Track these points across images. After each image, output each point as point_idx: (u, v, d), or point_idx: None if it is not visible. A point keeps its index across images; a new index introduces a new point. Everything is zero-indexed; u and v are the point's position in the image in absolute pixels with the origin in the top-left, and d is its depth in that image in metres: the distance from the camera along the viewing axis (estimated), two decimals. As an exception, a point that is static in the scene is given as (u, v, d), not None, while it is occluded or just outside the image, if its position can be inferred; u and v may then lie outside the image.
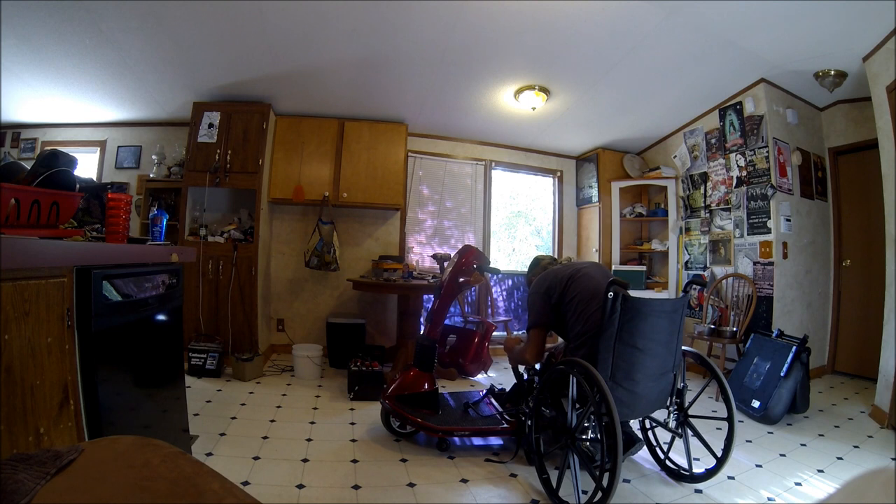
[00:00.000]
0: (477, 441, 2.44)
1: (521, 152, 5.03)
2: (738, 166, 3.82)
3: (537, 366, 2.27)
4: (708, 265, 4.13)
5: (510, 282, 5.09)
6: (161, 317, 1.66)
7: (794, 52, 3.11)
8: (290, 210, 4.31)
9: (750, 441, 2.52)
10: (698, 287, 4.09)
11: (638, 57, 3.20)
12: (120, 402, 1.36)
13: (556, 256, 4.27)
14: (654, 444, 2.23)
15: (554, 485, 1.82)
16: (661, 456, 2.17)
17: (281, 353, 4.15)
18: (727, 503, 1.87)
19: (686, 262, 4.40)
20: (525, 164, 5.08)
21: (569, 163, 5.25)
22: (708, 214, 4.14)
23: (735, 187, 3.85)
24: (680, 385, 2.05)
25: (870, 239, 3.70)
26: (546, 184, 5.29)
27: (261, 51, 3.23)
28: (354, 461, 2.13)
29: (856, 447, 2.44)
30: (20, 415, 0.93)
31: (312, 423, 2.59)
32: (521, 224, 5.32)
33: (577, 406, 1.82)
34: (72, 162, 1.43)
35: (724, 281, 3.82)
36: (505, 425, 2.34)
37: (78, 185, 1.50)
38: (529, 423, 2.08)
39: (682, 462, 2.07)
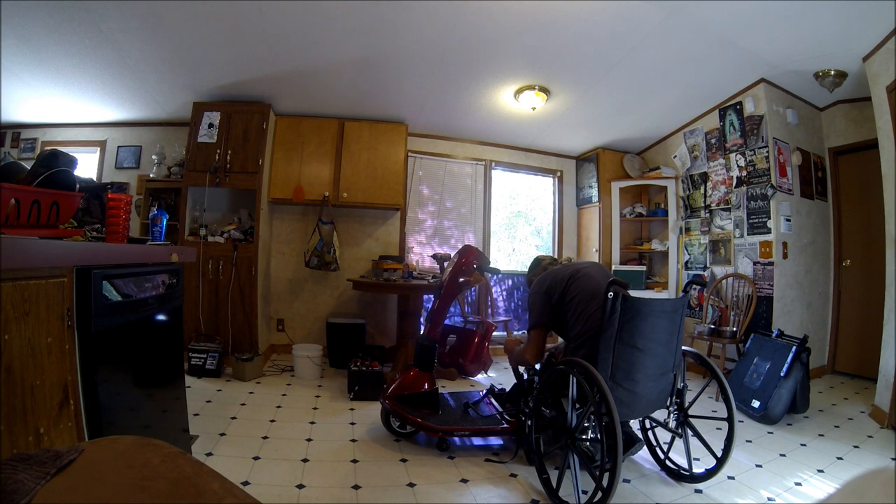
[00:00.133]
0: (477, 441, 2.44)
1: (521, 152, 5.03)
2: (738, 166, 3.82)
3: (537, 366, 2.27)
4: (708, 265, 4.13)
5: (510, 282, 5.09)
6: (161, 317, 1.66)
7: (794, 52, 3.11)
8: (290, 210, 4.31)
9: (750, 441, 2.52)
10: (698, 287, 4.09)
11: (638, 57, 3.20)
12: (120, 402, 1.36)
13: (556, 257, 4.27)
14: (654, 444, 2.23)
15: (554, 485, 1.82)
16: (661, 456, 2.17)
17: (281, 353, 4.15)
18: (727, 503, 1.87)
19: (686, 262, 4.40)
20: (525, 164, 5.08)
21: (569, 163, 5.25)
22: (708, 214, 4.14)
23: (735, 187, 3.85)
24: (680, 385, 2.05)
25: (870, 239, 3.70)
26: (546, 184, 5.29)
27: (261, 51, 3.23)
28: (354, 461, 2.13)
29: (856, 447, 2.44)
30: (20, 415, 0.93)
31: (312, 423, 2.59)
32: (521, 224, 5.32)
33: (577, 406, 1.82)
34: (72, 162, 1.43)
35: (724, 281, 3.82)
36: (505, 425, 2.34)
37: (78, 185, 1.50)
38: (529, 423, 2.08)
39: (682, 462, 2.07)
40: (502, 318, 4.42)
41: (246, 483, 1.86)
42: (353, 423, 2.61)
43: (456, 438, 2.40)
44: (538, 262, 2.42)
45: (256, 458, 2.08)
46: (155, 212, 1.87)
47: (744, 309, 3.55)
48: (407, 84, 3.73)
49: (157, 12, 2.76)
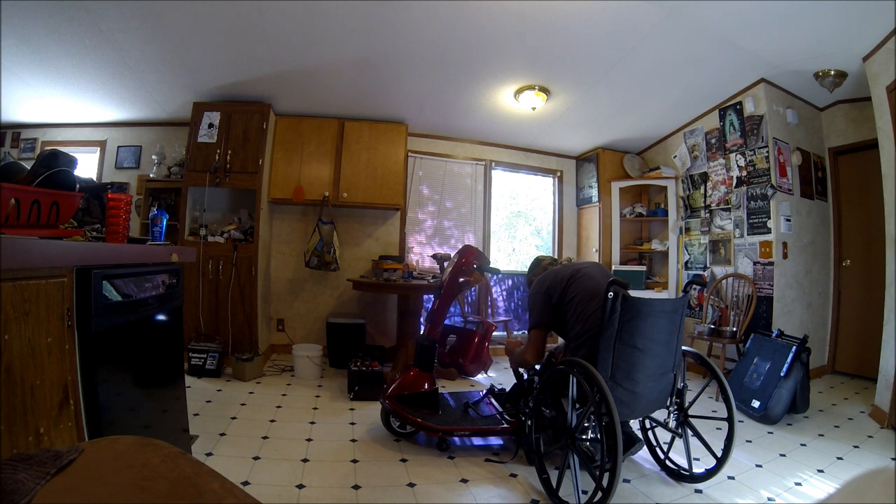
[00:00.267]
0: (477, 441, 2.44)
1: (521, 152, 5.03)
2: (738, 166, 3.82)
3: (538, 366, 2.27)
4: (708, 265, 4.13)
5: (510, 282, 5.09)
6: (161, 317, 1.66)
7: (794, 52, 3.11)
8: (290, 210, 4.30)
9: (750, 441, 2.52)
10: (698, 287, 4.09)
11: (638, 57, 3.20)
12: (120, 402, 1.36)
13: (556, 257, 4.27)
14: (654, 444, 2.23)
15: (554, 485, 1.82)
16: (661, 456, 2.17)
17: (281, 353, 4.15)
18: (727, 503, 1.87)
19: (686, 262, 4.40)
20: (525, 164, 5.08)
21: (569, 163, 5.25)
22: (708, 214, 4.14)
23: (735, 187, 3.85)
24: (680, 385, 2.05)
25: (870, 239, 3.70)
26: (546, 184, 5.29)
27: (261, 51, 3.23)
28: (354, 461, 2.13)
29: (856, 447, 2.44)
30: (20, 415, 0.93)
31: (312, 423, 2.59)
32: (521, 224, 5.32)
33: (577, 406, 1.82)
34: (72, 162, 1.43)
35: (724, 281, 3.82)
36: (505, 425, 2.34)
37: (78, 185, 1.50)
38: (529, 423, 2.08)
39: (682, 462, 2.07)
40: (502, 318, 4.42)
41: (246, 483, 1.86)
42: (353, 423, 2.61)
43: (456, 438, 2.40)
44: (538, 263, 2.42)
45: (256, 458, 2.08)
46: (155, 212, 1.87)
47: (744, 309, 3.55)
48: (407, 84, 3.73)
49: (157, 12, 2.76)
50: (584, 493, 1.69)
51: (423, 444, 2.37)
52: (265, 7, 2.75)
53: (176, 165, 3.94)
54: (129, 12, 2.74)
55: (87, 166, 4.20)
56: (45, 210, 1.27)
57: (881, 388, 2.84)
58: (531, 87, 3.69)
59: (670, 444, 2.18)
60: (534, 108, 3.87)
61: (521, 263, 5.11)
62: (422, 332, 2.63)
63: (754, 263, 3.66)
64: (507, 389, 2.64)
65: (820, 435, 2.62)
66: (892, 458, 2.33)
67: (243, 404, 2.83)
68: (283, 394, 3.09)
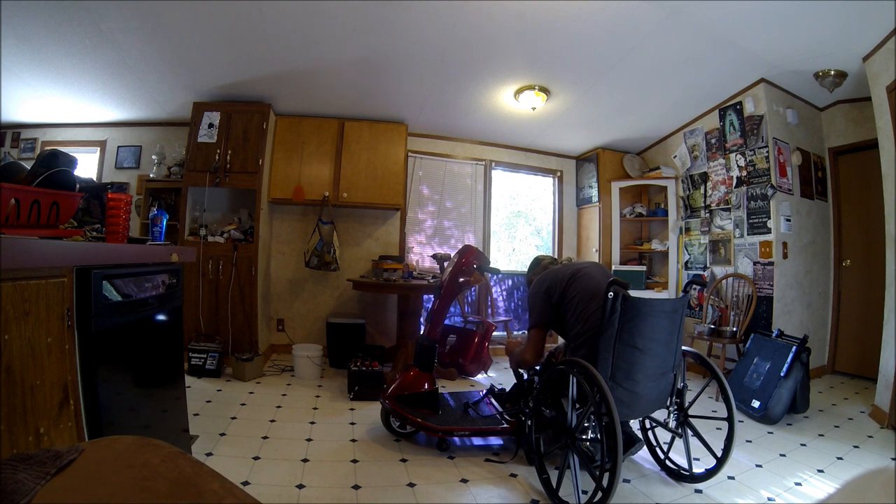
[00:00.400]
0: (477, 441, 2.44)
1: (521, 152, 5.03)
2: (738, 166, 3.82)
3: (537, 366, 2.27)
4: (708, 265, 4.13)
5: (510, 282, 5.09)
6: (161, 317, 1.66)
7: (794, 52, 3.11)
8: (290, 210, 4.31)
9: (750, 441, 2.52)
10: (698, 287, 4.09)
11: (638, 57, 3.20)
12: (120, 402, 1.36)
13: (556, 256, 4.27)
14: (654, 444, 2.23)
15: (554, 485, 1.82)
16: (661, 456, 2.17)
17: (281, 353, 4.15)
18: (727, 503, 1.87)
19: (686, 262, 4.40)
20: (525, 164, 5.08)
21: (569, 163, 5.25)
22: (708, 214, 4.14)
23: (735, 187, 3.85)
24: (680, 385, 2.05)
25: (870, 239, 3.70)
26: (546, 184, 5.29)
27: (261, 51, 3.23)
28: (354, 461, 2.13)
29: (856, 447, 2.44)
30: (20, 415, 0.93)
31: (312, 423, 2.59)
32: (521, 224, 5.32)
33: (577, 406, 1.82)
34: (72, 162, 1.43)
35: (724, 281, 3.82)
36: (505, 425, 2.34)
37: (78, 185, 1.50)
38: (529, 423, 2.08)
39: (682, 462, 2.07)
40: (502, 318, 4.42)
41: (246, 483, 1.86)
42: (353, 423, 2.61)
43: (456, 438, 2.40)
44: (538, 262, 2.42)
45: (256, 458, 2.08)
46: (155, 212, 1.87)
47: (744, 309, 3.55)
48: (407, 84, 3.73)
49: (157, 12, 2.76)
50: (584, 493, 1.69)
51: (423, 444, 2.37)
52: (265, 7, 2.75)
53: (176, 165, 3.94)
54: (129, 12, 2.74)
55: (87, 166, 4.20)
56: (45, 210, 1.27)
57: (881, 388, 2.84)
58: (531, 87, 3.69)
59: (670, 444, 2.18)
60: (534, 108, 3.87)
61: (521, 263, 5.11)
62: (422, 332, 2.63)
63: (754, 263, 3.66)
64: (507, 389, 2.64)
65: (820, 435, 2.62)
66: (892, 458, 2.33)
67: (243, 404, 2.83)
68: (283, 394, 3.09)
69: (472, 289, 4.55)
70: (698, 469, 2.02)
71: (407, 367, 2.52)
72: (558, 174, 5.22)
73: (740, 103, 3.72)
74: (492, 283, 4.78)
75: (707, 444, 2.04)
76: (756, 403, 2.82)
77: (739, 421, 2.58)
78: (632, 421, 2.25)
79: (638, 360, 1.81)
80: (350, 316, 4.19)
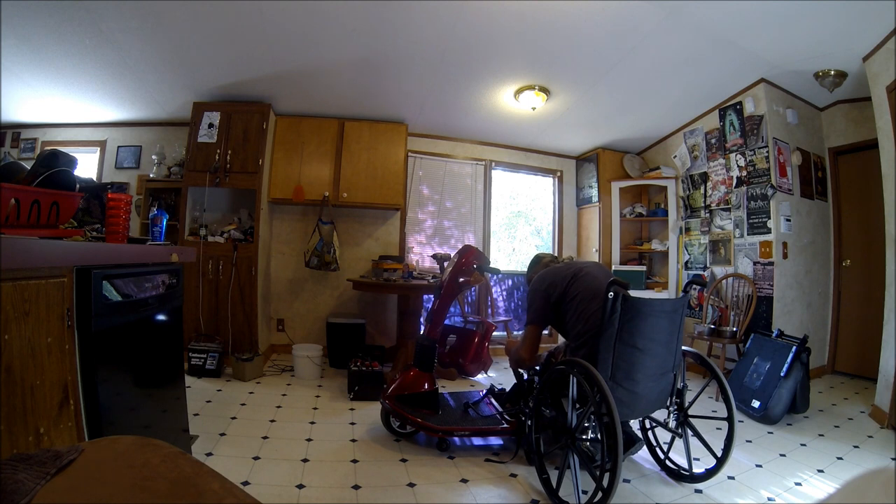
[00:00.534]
0: (477, 441, 2.44)
1: (521, 152, 5.03)
2: (738, 166, 3.82)
3: (537, 366, 2.27)
4: (708, 265, 4.13)
5: (510, 282, 5.09)
6: (161, 317, 1.66)
7: (794, 52, 3.11)
8: (290, 210, 4.31)
9: (750, 441, 2.52)
10: (698, 287, 4.09)
11: (638, 57, 3.20)
12: (120, 402, 1.36)
13: (556, 255, 4.27)
14: (654, 444, 2.23)
15: (554, 485, 1.82)
16: (661, 456, 2.17)
17: (281, 353, 4.15)
18: (727, 503, 1.87)
19: (686, 262, 4.40)
20: (525, 164, 5.08)
21: (569, 163, 5.25)
22: (708, 214, 4.14)
23: (735, 187, 3.85)
24: (680, 385, 2.05)
25: (870, 239, 3.70)
26: (546, 184, 5.29)
27: (261, 51, 3.23)
28: (354, 461, 2.13)
29: (856, 447, 2.44)
30: (20, 415, 0.93)
31: (312, 423, 2.59)
32: (521, 224, 5.32)
33: (577, 406, 1.82)
34: (72, 162, 1.43)
35: (724, 281, 3.82)
36: (505, 425, 2.34)
37: (78, 185, 1.50)
38: (529, 423, 2.08)
39: (682, 462, 2.07)
40: (502, 318, 4.42)
41: (246, 483, 1.86)
42: (353, 423, 2.61)
43: (456, 438, 2.40)
44: (539, 260, 2.43)
45: (256, 458, 2.08)
46: (155, 212, 1.87)
47: (744, 309, 3.55)
48: (407, 84, 3.73)
49: (157, 12, 2.76)
50: (585, 492, 1.69)
51: (423, 444, 2.37)
52: (265, 7, 2.75)
53: (176, 165, 3.94)
54: (129, 12, 2.74)
55: (87, 166, 4.20)
56: (45, 210, 1.27)
57: (881, 388, 2.84)
58: (531, 87, 3.69)
59: (670, 444, 2.18)
60: (534, 108, 3.87)
61: (521, 263, 5.11)
62: (422, 332, 2.63)
63: (754, 263, 3.66)
64: (507, 389, 2.64)
65: (820, 435, 2.62)
66: (892, 458, 2.33)
67: (243, 404, 2.83)
68: (283, 394, 3.09)
69: (472, 289, 4.55)
70: (698, 469, 2.02)
71: (407, 367, 2.52)
72: (558, 174, 5.22)
73: (740, 103, 3.72)
74: (492, 283, 4.78)
75: (707, 444, 2.04)
76: (756, 403, 2.82)
77: (739, 421, 2.58)
78: (632, 421, 2.25)
79: (638, 360, 1.81)
80: (350, 316, 4.19)
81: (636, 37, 2.98)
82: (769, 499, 1.90)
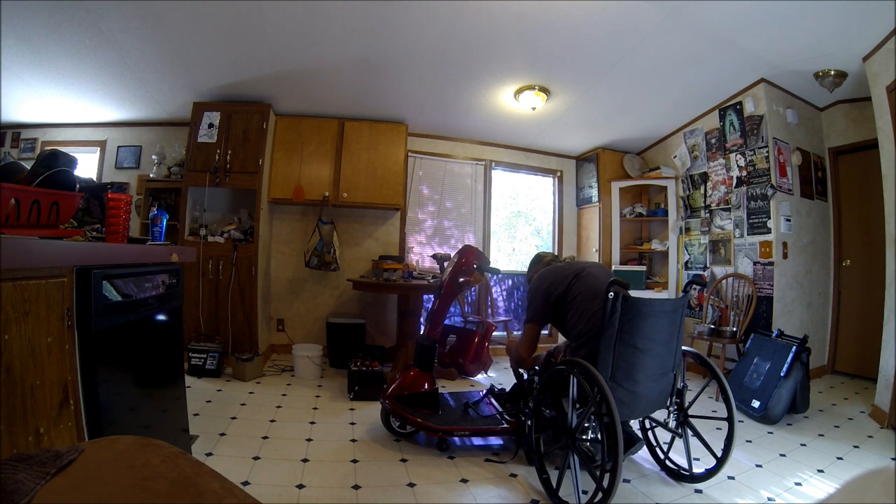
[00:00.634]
0: (477, 441, 2.44)
1: (521, 152, 5.03)
2: (738, 166, 3.82)
3: (537, 367, 2.27)
4: (708, 265, 4.13)
5: (510, 282, 5.09)
6: (161, 317, 1.66)
7: (794, 52, 3.11)
8: (290, 210, 4.31)
9: (750, 441, 2.52)
10: (698, 287, 4.09)
11: (638, 57, 3.20)
12: (120, 402, 1.36)
13: (556, 254, 4.27)
14: (654, 444, 2.23)
15: (554, 485, 1.82)
16: (661, 456, 2.17)
17: (281, 353, 4.15)
18: (727, 503, 1.87)
19: (686, 262, 4.40)
20: (525, 164, 5.07)
21: (569, 163, 5.25)
22: (708, 214, 4.14)
23: (735, 187, 3.85)
24: (680, 385, 2.05)
25: (870, 239, 3.70)
26: (546, 184, 5.29)
27: (261, 51, 3.23)
28: (354, 461, 2.13)
29: (856, 447, 2.44)
30: (20, 415, 0.93)
31: (312, 423, 2.59)
32: (521, 224, 5.32)
33: (578, 406, 1.82)
34: (72, 162, 1.43)
35: (724, 281, 3.82)
36: (505, 425, 2.34)
37: (78, 185, 1.50)
38: (529, 423, 2.08)
39: (682, 462, 2.07)
40: (502, 318, 4.42)
41: (246, 483, 1.86)
42: (353, 423, 2.61)
43: (456, 438, 2.40)
44: (540, 259, 2.44)
45: (256, 458, 2.08)
46: (155, 212, 1.87)
47: (744, 309, 3.55)
48: (407, 84, 3.73)
49: (157, 12, 2.76)
50: (585, 493, 1.69)
51: (423, 444, 2.37)
52: (265, 7, 2.75)
53: (176, 165, 3.94)
54: (129, 12, 2.74)
55: (87, 166, 4.20)
56: (45, 210, 1.27)
57: (881, 388, 2.84)
58: (531, 87, 3.69)
59: (670, 444, 2.18)
60: (534, 108, 3.87)
61: (521, 263, 5.11)
62: (422, 332, 2.63)
63: (754, 263, 3.66)
64: (507, 389, 2.64)
65: (820, 435, 2.62)
66: (892, 458, 2.33)
67: (243, 404, 2.83)
68: (283, 394, 3.09)
69: (472, 289, 4.55)
70: (698, 469, 2.02)
71: (407, 367, 2.52)
72: (558, 174, 5.22)
73: (740, 103, 3.72)
74: (492, 283, 4.78)
75: (707, 443, 2.04)
76: (756, 403, 2.82)
77: (739, 421, 2.58)
78: (632, 421, 2.25)
79: (638, 360, 1.81)
80: (350, 316, 4.19)
81: (636, 37, 2.98)
82: (769, 499, 1.90)
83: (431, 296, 3.41)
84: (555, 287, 2.07)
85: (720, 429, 2.55)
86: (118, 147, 4.30)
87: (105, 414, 1.23)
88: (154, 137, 4.22)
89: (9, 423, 0.89)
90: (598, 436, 1.68)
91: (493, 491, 1.94)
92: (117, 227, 1.57)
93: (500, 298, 5.05)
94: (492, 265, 2.82)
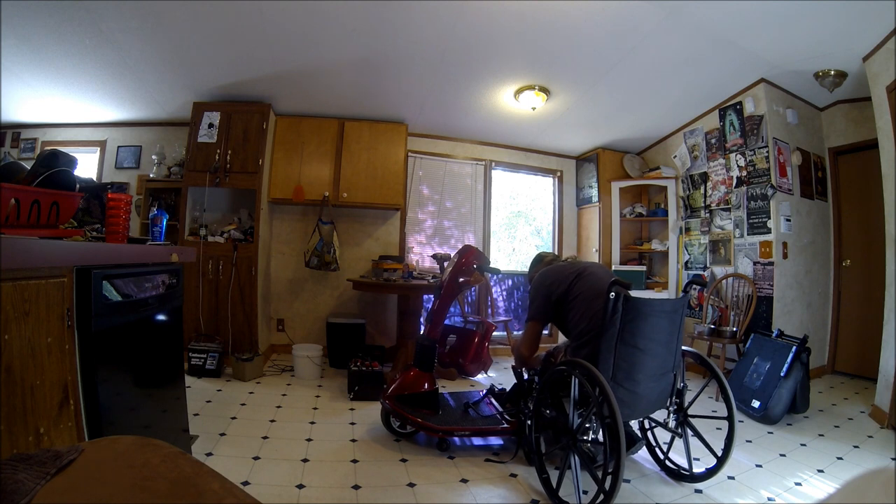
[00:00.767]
0: (477, 441, 2.44)
1: (521, 152, 5.03)
2: (738, 166, 3.82)
3: (535, 367, 2.27)
4: (708, 265, 4.13)
5: (510, 282, 5.09)
6: (161, 317, 1.66)
7: (794, 52, 3.11)
8: (290, 210, 4.31)
9: (750, 441, 2.52)
10: (698, 287, 4.09)
11: (638, 57, 3.20)
12: (120, 402, 1.36)
13: (557, 254, 4.27)
14: (654, 444, 2.23)
15: (554, 485, 1.82)
16: (661, 456, 2.17)
17: (281, 353, 4.15)
18: (727, 503, 1.87)
19: (686, 262, 4.40)
20: (525, 164, 5.08)
21: (569, 163, 5.25)
22: (708, 214, 4.14)
23: (735, 187, 3.85)
24: (680, 385, 2.05)
25: (870, 239, 3.70)
26: (546, 184, 5.29)
27: (261, 51, 3.23)
28: (354, 461, 2.13)
29: (856, 447, 2.44)
30: (20, 415, 0.93)
31: (312, 423, 2.59)
32: (521, 224, 5.32)
33: (579, 407, 1.82)
34: (72, 162, 1.43)
35: (724, 281, 3.82)
36: (505, 425, 2.34)
37: (78, 185, 1.50)
38: (529, 422, 2.08)
39: (682, 462, 2.07)
40: (502, 318, 4.42)
41: (246, 483, 1.86)
42: (353, 423, 2.61)
43: (456, 438, 2.40)
44: (541, 259, 2.44)
45: (256, 458, 2.08)
46: (155, 212, 1.87)
47: (744, 309, 3.55)
48: (407, 84, 3.73)
49: (157, 12, 2.76)
50: (585, 493, 1.69)
51: (423, 444, 2.37)
52: (265, 7, 2.75)
53: (176, 165, 3.94)
54: (129, 12, 2.74)
55: (87, 166, 4.20)
56: (45, 210, 1.27)
57: (881, 388, 2.84)
58: (531, 87, 3.69)
59: (670, 444, 2.18)
60: (534, 108, 3.87)
61: (521, 263, 5.11)
62: (422, 332, 2.63)
63: (754, 263, 3.66)
64: (508, 389, 2.64)
65: (820, 435, 2.62)
66: (892, 458, 2.33)
67: (243, 404, 2.83)
68: (283, 394, 3.09)
69: (472, 289, 4.55)
70: (698, 469, 2.02)
71: (407, 367, 2.52)
72: (558, 174, 5.22)
73: (740, 103, 3.72)
74: (492, 283, 4.78)
75: (707, 443, 2.04)
76: (756, 403, 2.82)
77: (739, 421, 2.58)
78: (631, 421, 2.25)
79: (639, 360, 1.81)
80: (350, 316, 4.19)
81: (636, 37, 2.98)
82: (769, 499, 1.90)
83: (431, 296, 3.41)
84: (556, 286, 2.07)
85: (720, 429, 2.55)
86: (118, 147, 4.30)
87: (105, 414, 1.23)
88: (154, 137, 4.22)
89: (9, 423, 0.89)
90: (599, 436, 1.68)
91: (493, 491, 1.94)
92: (117, 227, 1.57)
93: (500, 298, 5.05)
94: (492, 265, 2.82)
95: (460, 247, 2.81)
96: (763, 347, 3.04)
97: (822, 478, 2.10)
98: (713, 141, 4.07)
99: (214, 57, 3.30)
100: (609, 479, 1.57)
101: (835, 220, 4.00)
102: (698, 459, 2.07)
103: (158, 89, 3.72)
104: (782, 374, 2.77)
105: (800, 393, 2.80)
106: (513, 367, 2.48)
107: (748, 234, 3.72)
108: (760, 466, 2.20)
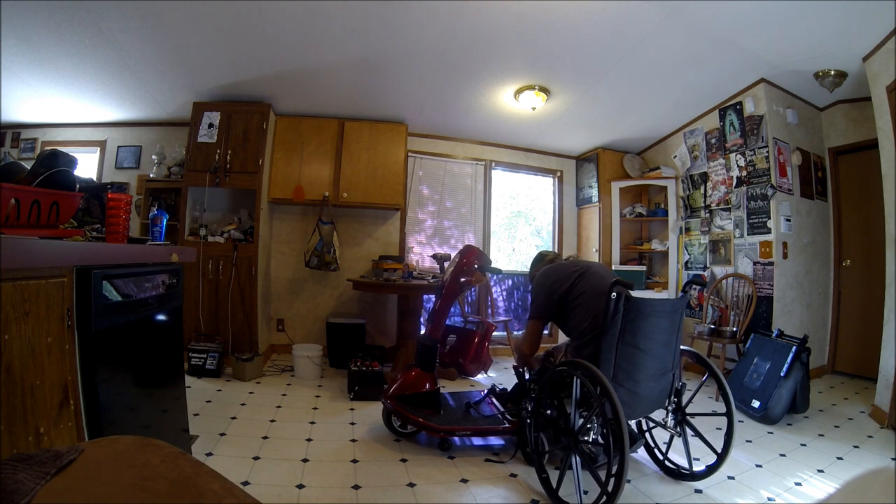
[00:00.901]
0: (477, 441, 2.44)
1: (521, 152, 5.03)
2: (738, 166, 3.82)
3: (535, 368, 2.27)
4: (708, 265, 4.13)
5: (510, 282, 5.09)
6: (161, 317, 1.66)
7: (794, 52, 3.11)
8: (290, 210, 4.30)
9: (750, 441, 2.52)
10: (698, 287, 4.09)
11: (638, 57, 3.20)
12: (120, 402, 1.36)
13: (558, 253, 4.28)
14: (653, 444, 2.23)
15: (554, 485, 1.82)
16: (660, 457, 2.17)
17: (281, 353, 4.15)
18: (727, 503, 1.87)
19: (686, 262, 4.40)
20: (525, 164, 5.07)
21: (569, 163, 5.24)
22: (708, 214, 4.14)
23: (735, 187, 3.85)
24: (678, 385, 2.05)
25: (870, 239, 3.70)
26: (546, 184, 5.29)
27: (261, 51, 3.23)
28: (354, 461, 2.13)
29: (856, 447, 2.44)
30: (20, 415, 0.93)
31: (312, 423, 2.59)
32: (521, 224, 5.32)
33: (580, 407, 1.82)
34: (72, 162, 1.43)
35: (724, 281, 3.82)
36: (506, 425, 2.34)
37: (78, 185, 1.50)
38: (529, 422, 2.08)
39: (682, 462, 2.07)
40: (502, 318, 4.42)
41: (246, 483, 1.86)
42: (353, 423, 2.61)
43: (456, 438, 2.40)
44: (542, 257, 2.44)
45: (256, 458, 2.08)
46: (155, 212, 1.87)
47: (744, 309, 3.55)
48: (407, 84, 3.72)
49: (157, 12, 2.76)
50: (585, 493, 1.69)
51: (423, 444, 2.37)
52: (265, 7, 2.75)
53: (176, 165, 3.94)
54: (129, 12, 2.74)
55: (87, 166, 4.20)
56: (45, 210, 1.27)
57: (881, 388, 2.84)
58: (531, 87, 3.69)
59: (668, 444, 2.18)
60: (534, 108, 3.87)
61: (522, 263, 5.11)
62: (423, 332, 2.63)
63: (754, 263, 3.66)
64: (508, 389, 2.64)
65: (820, 435, 2.62)
66: (892, 458, 2.33)
67: (243, 404, 2.83)
68: (283, 394, 3.09)
69: (473, 289, 4.55)
70: (699, 467, 2.02)
71: (408, 367, 2.52)
72: (558, 174, 5.22)
73: (740, 103, 3.72)
74: (492, 283, 4.78)
75: (706, 440, 2.04)
76: (756, 403, 2.82)
77: (739, 421, 2.58)
78: (631, 421, 2.25)
79: (640, 360, 1.81)
80: (350, 316, 4.19)
81: (636, 37, 2.98)
82: (769, 499, 1.90)
83: (431, 296, 3.41)
84: (559, 284, 2.07)
85: (720, 429, 2.55)
86: (118, 147, 4.30)
87: (105, 414, 1.23)
88: (154, 137, 4.22)
89: (9, 423, 0.89)
90: (601, 437, 1.68)
91: (493, 491, 1.94)
92: (117, 227, 1.57)
93: (501, 298, 5.05)
94: (493, 265, 2.82)
95: (460, 247, 2.82)
96: (763, 347, 3.04)
97: (822, 478, 2.10)
98: (713, 141, 4.07)
99: (214, 57, 3.30)
100: (612, 480, 1.56)
101: (835, 220, 4.00)
102: (698, 459, 2.06)
103: (158, 89, 3.72)
104: (782, 374, 2.77)
105: (800, 393, 2.80)
106: (514, 367, 2.47)
107: (748, 234, 3.72)
108: (760, 466, 2.20)
